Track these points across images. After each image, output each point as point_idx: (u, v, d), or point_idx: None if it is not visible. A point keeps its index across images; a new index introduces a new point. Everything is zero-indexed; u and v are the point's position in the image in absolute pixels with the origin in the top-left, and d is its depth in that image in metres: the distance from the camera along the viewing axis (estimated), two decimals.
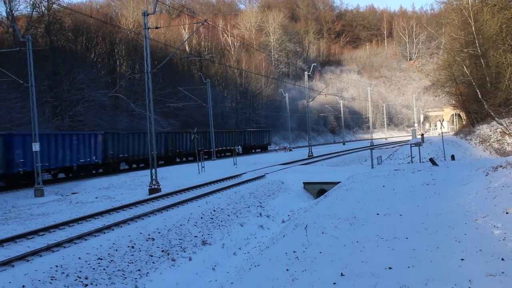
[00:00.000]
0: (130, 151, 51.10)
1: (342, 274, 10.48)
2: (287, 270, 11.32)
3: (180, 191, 31.10)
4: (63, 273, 14.25)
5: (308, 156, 64.53)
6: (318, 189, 35.52)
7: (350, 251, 12.26)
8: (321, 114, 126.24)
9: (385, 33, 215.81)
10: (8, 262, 14.90)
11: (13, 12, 65.92)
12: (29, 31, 59.89)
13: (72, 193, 33.95)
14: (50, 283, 13.43)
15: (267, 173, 40.36)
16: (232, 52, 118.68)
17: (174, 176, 40.34)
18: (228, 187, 32.77)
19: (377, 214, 16.70)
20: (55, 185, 39.06)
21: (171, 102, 73.76)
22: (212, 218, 23.82)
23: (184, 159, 63.67)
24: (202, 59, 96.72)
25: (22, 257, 15.45)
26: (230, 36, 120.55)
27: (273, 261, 12.63)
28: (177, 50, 50.41)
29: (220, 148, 70.26)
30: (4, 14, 64.31)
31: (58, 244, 17.07)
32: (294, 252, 12.88)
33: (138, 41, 77.88)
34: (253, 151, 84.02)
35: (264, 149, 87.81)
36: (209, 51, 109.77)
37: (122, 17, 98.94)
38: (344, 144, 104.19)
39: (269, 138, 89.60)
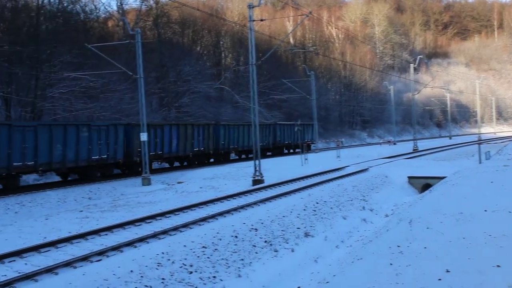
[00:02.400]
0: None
1: (447, 271, 10.19)
2: (391, 264, 11.11)
3: (283, 183, 31.18)
4: (169, 260, 14.57)
5: (413, 150, 63.15)
6: (422, 184, 34.73)
7: (456, 248, 11.90)
8: (426, 108, 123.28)
9: (495, 24, 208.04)
10: (118, 248, 15.42)
11: (123, 6, 68.11)
12: (138, 24, 61.60)
13: (177, 183, 34.74)
14: (157, 269, 13.76)
15: (371, 167, 39.84)
16: (337, 44, 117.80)
17: (277, 168, 40.51)
18: (331, 179, 32.57)
19: (485, 210, 16.13)
20: (162, 174, 40.09)
21: (275, 94, 74.12)
22: (315, 210, 23.74)
23: (291, 150, 64.12)
24: (306, 51, 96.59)
25: (130, 243, 15.94)
26: (335, 28, 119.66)
27: (377, 255, 12.44)
28: (282, 42, 50.50)
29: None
30: (115, 8, 66.46)
31: (164, 232, 17.50)
32: (398, 246, 12.63)
33: (243, 33, 78.60)
34: (288, 151, 64.86)
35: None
36: (313, 43, 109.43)
37: (227, 9, 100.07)
38: (450, 138, 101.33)
39: (312, 134, 69.15)
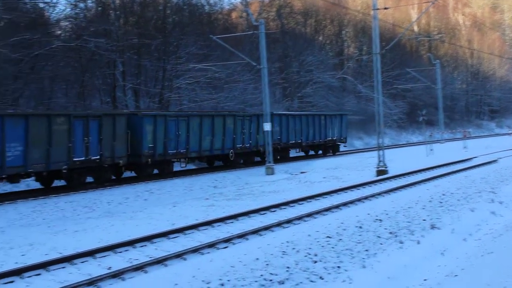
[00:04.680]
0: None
1: None
2: None
3: (407, 174, 30.61)
4: (294, 248, 14.62)
5: None
6: None
7: None
8: None
9: None
10: (243, 235, 15.68)
11: None
12: (261, 15, 62.14)
13: (301, 172, 34.84)
14: (282, 257, 13.83)
15: (500, 158, 38.34)
16: (463, 32, 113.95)
17: (401, 158, 39.82)
18: (458, 171, 31.63)
19: None
20: (284, 164, 40.35)
21: (398, 84, 72.76)
22: (441, 202, 23.10)
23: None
24: (431, 39, 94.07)
25: (255, 231, 16.17)
26: (461, 15, 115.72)
27: (509, 249, 11.95)
28: (406, 30, 49.44)
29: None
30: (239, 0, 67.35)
31: (289, 221, 17.60)
32: None
33: (365, 22, 77.54)
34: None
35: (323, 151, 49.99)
36: (439, 31, 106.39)
37: None
38: None
39: (342, 130, 50.93)
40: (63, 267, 12.95)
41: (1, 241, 16.30)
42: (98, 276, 11.78)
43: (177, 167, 35.47)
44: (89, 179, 29.07)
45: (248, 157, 40.32)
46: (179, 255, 13.57)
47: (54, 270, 12.70)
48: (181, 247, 14.44)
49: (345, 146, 52.70)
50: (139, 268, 12.51)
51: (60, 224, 19.30)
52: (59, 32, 43.69)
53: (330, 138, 48.90)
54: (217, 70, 45.81)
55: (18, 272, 12.15)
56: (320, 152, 49.29)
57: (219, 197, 25.23)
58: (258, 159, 41.40)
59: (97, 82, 42.89)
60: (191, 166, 37.71)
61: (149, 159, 31.51)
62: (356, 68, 78.28)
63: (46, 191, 26.95)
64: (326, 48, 77.83)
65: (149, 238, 15.36)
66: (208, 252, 14.14)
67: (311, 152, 49.02)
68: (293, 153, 47.46)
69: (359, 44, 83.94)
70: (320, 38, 78.73)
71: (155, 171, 33.21)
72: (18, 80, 35.86)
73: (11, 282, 11.81)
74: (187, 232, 16.46)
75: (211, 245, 14.60)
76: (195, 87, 46.16)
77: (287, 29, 67.83)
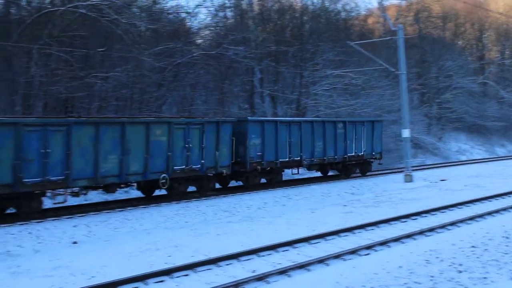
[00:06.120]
0: None
1: None
2: None
3: None
4: (437, 257, 14.32)
5: None
6: None
7: None
8: None
9: None
10: (385, 243, 15.57)
11: (383, 2, 68.18)
12: (398, 20, 61.21)
13: (440, 180, 34.02)
14: (425, 266, 13.59)
15: None
16: None
17: None
18: None
19: None
20: (422, 171, 39.55)
21: None
22: None
23: None
24: None
25: (397, 239, 16.03)
26: None
27: None
28: None
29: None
30: (375, 5, 66.86)
31: (431, 229, 17.29)
32: None
33: (508, 25, 74.62)
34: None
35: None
36: None
37: (491, 0, 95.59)
38: None
39: (374, 142, 37.93)
40: (209, 269, 13.39)
41: (148, 242, 17.04)
42: (244, 278, 12.07)
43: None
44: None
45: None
46: (321, 261, 13.67)
47: (201, 271, 13.16)
48: (323, 253, 14.54)
49: (380, 164, 39.03)
50: (283, 272, 12.71)
51: (202, 227, 19.91)
52: (199, 41, 45.16)
53: (354, 154, 36.10)
54: (354, 76, 45.58)
55: (168, 272, 12.69)
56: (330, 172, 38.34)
57: (357, 204, 25.09)
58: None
59: (235, 89, 43.89)
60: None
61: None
62: (498, 72, 75.34)
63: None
64: (465, 53, 75.46)
65: (291, 243, 15.57)
66: (350, 259, 14.15)
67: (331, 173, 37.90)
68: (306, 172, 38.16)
69: (501, 47, 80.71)
70: (460, 42, 76.46)
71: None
72: (161, 88, 37.37)
73: (162, 281, 12.35)
74: (327, 238, 16.54)
75: (353, 251, 14.61)
76: (332, 93, 46.16)
77: (425, 34, 66.45)
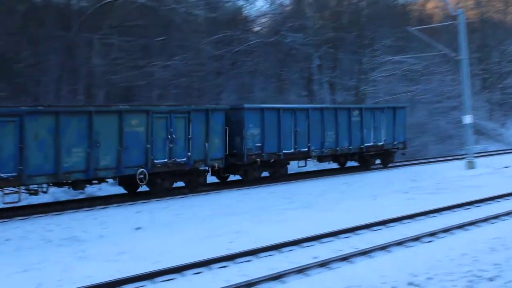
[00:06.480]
0: None
1: None
2: None
3: None
4: (503, 245, 14.05)
5: None
6: None
7: None
8: None
9: None
10: (448, 230, 15.38)
11: None
12: (458, 4, 60.05)
13: (504, 167, 33.32)
14: (490, 254, 13.35)
15: None
16: None
17: None
18: None
19: None
20: (484, 158, 38.82)
21: None
22: None
23: None
24: None
25: (460, 226, 15.82)
26: None
27: None
28: None
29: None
30: None
31: (496, 217, 16.99)
32: None
33: None
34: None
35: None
36: None
37: None
38: None
39: (395, 131, 35.17)
40: (271, 255, 13.44)
41: (209, 228, 17.17)
42: (306, 264, 12.10)
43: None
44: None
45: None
46: (383, 247, 13.59)
47: (263, 257, 13.23)
48: (385, 240, 14.43)
49: (403, 155, 36.98)
50: (345, 258, 12.68)
51: (263, 213, 19.94)
52: (257, 28, 45.27)
53: (372, 144, 33.42)
54: (414, 62, 45.02)
55: (231, 258, 12.81)
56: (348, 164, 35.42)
57: (418, 191, 24.78)
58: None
59: (294, 76, 43.88)
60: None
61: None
62: None
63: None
64: None
65: (352, 230, 15.53)
66: (413, 246, 14.02)
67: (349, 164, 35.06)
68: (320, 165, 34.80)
69: None
70: None
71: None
72: (220, 76, 37.62)
73: (225, 266, 12.47)
74: (389, 224, 16.44)
75: (416, 238, 14.46)
76: (391, 79, 45.74)
77: (486, 18, 65.06)
